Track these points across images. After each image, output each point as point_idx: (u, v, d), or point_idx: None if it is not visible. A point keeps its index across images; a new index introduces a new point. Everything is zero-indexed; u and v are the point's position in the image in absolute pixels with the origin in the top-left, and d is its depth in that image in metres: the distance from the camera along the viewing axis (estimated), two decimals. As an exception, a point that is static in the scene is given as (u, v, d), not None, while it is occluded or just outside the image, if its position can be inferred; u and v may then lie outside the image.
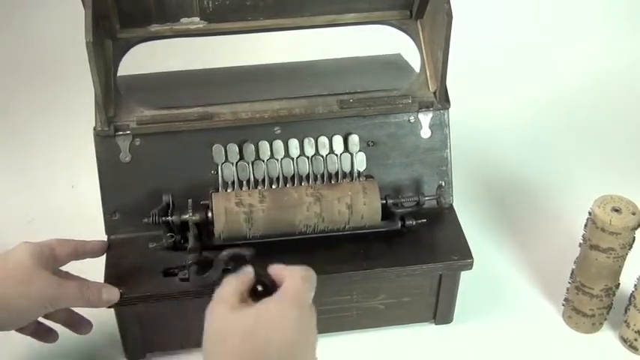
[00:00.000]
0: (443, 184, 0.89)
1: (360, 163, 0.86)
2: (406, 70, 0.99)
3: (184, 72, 1.02)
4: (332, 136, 0.86)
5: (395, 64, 1.02)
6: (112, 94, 0.84)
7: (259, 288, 0.65)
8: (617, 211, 0.80)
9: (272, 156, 0.85)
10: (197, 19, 0.89)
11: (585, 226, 0.83)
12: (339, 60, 1.05)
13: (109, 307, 0.76)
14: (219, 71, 1.02)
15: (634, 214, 0.80)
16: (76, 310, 0.80)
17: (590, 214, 0.82)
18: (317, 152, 0.86)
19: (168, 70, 1.01)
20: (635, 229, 0.80)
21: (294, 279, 0.63)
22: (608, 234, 0.80)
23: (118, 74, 0.86)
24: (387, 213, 0.83)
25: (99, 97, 0.80)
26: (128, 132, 0.83)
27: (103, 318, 0.82)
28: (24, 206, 1.08)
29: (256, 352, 0.58)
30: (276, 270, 0.65)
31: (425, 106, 0.88)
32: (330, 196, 0.81)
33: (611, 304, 0.87)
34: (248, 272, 0.65)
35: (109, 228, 0.84)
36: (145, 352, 0.84)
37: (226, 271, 0.72)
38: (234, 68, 1.03)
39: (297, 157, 0.85)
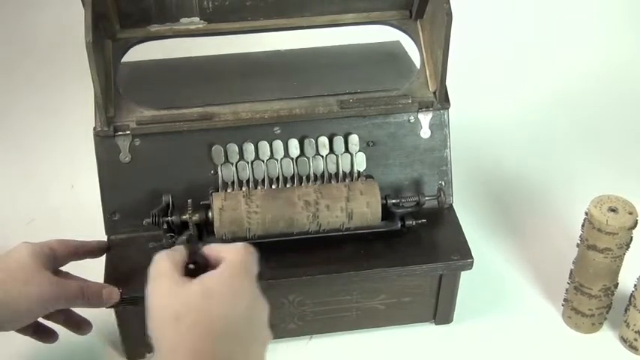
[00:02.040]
0: (443, 184, 0.89)
1: (360, 163, 0.86)
2: (404, 61, 0.99)
3: (183, 60, 1.01)
4: (332, 136, 0.86)
5: (393, 54, 1.02)
6: (112, 94, 0.84)
7: (191, 266, 0.60)
8: (613, 211, 0.80)
9: (272, 156, 0.85)
10: (197, 19, 0.89)
11: (582, 226, 0.83)
12: (338, 47, 1.03)
13: (109, 307, 0.76)
14: (219, 61, 1.02)
15: (631, 213, 0.80)
16: (76, 310, 0.80)
17: (586, 214, 0.82)
18: (317, 152, 0.86)
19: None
20: (632, 228, 0.80)
21: (237, 251, 0.59)
22: (604, 234, 0.80)
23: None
24: (387, 213, 0.83)
25: (99, 97, 0.80)
26: (128, 132, 0.83)
27: (103, 318, 0.82)
28: (24, 206, 1.08)
29: (213, 328, 0.54)
30: (212, 249, 0.60)
31: (425, 106, 0.88)
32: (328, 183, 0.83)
33: (611, 303, 0.87)
34: (179, 249, 0.61)
35: (109, 228, 0.84)
36: (145, 353, 0.84)
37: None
38: (234, 56, 1.02)
39: (296, 158, 0.86)
